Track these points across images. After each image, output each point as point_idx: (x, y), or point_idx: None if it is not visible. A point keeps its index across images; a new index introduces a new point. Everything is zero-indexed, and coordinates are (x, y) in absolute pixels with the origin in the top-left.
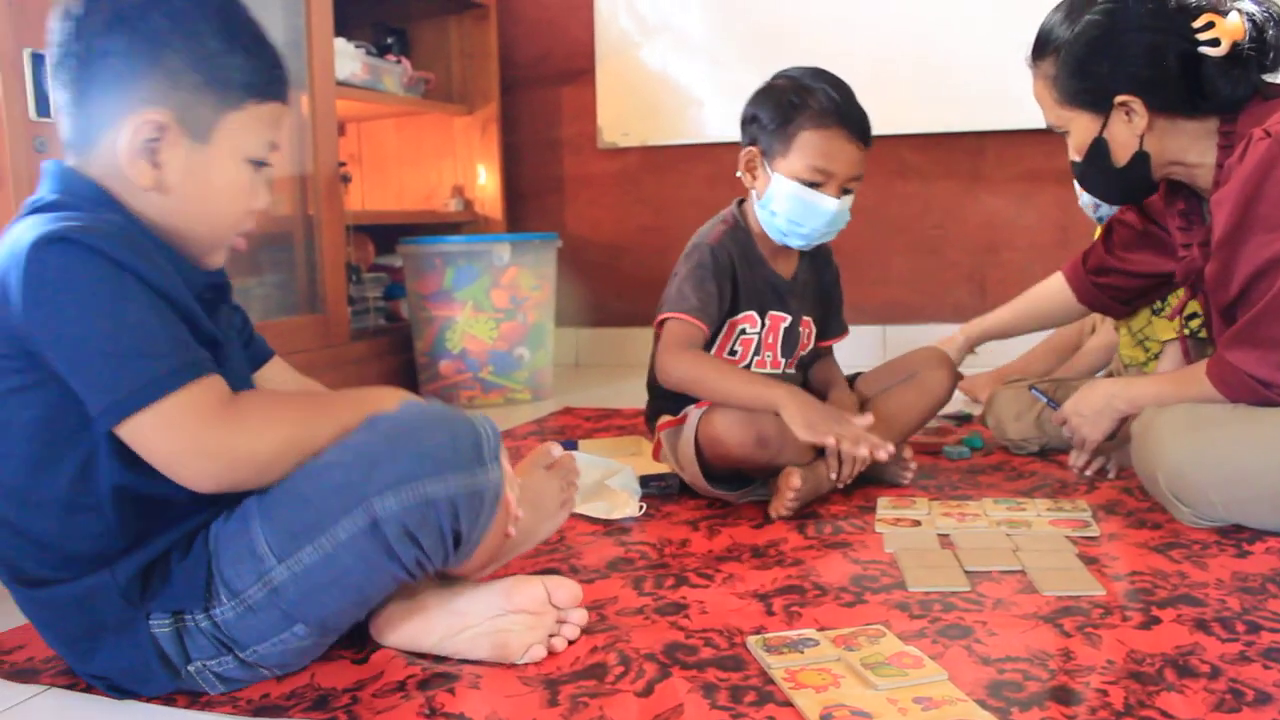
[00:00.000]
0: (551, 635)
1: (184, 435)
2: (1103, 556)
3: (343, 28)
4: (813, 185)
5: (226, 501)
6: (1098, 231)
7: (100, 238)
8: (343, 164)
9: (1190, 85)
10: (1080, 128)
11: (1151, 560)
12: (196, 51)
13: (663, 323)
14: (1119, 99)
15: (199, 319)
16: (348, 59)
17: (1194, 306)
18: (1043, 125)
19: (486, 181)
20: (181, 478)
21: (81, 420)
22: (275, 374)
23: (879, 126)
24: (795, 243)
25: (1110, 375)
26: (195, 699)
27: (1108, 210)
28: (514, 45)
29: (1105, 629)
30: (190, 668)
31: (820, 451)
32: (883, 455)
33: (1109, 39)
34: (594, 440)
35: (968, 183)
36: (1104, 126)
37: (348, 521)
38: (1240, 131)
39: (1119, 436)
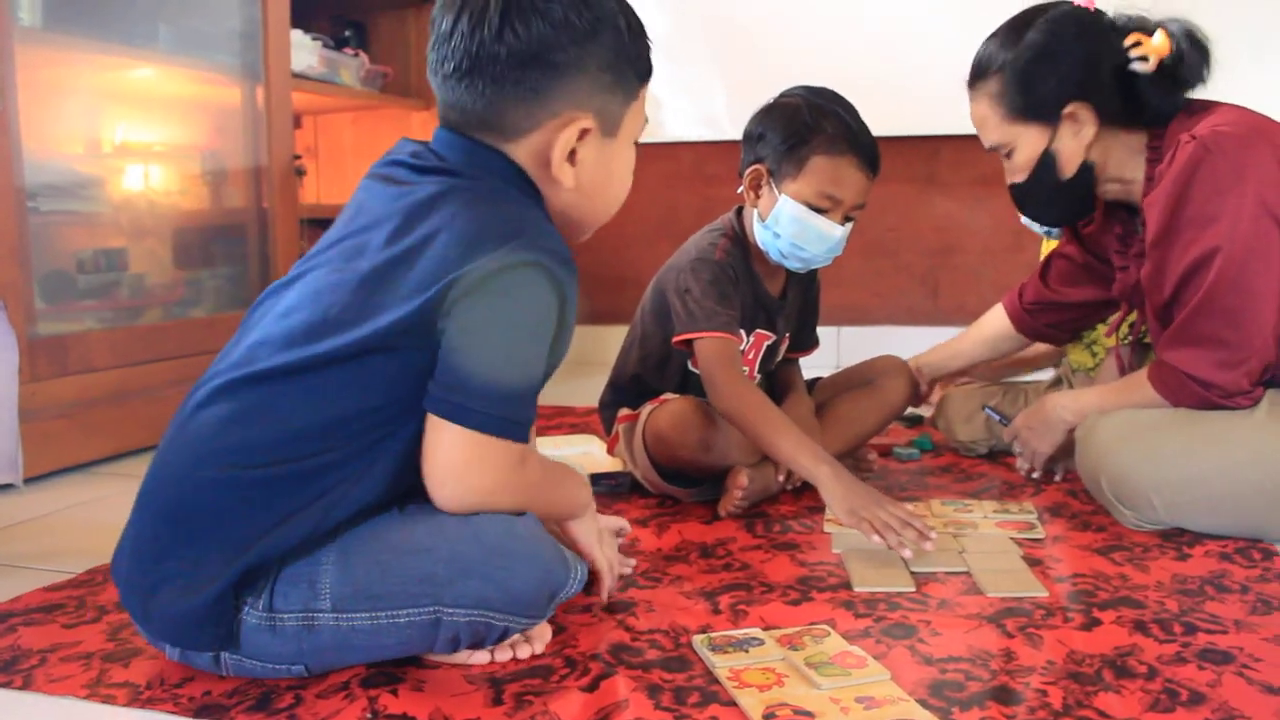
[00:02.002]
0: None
1: (468, 471)
2: (1047, 558)
3: (300, 19)
4: (819, 210)
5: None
6: (1045, 244)
7: (560, 264)
8: (298, 157)
9: (1126, 97)
10: (1028, 142)
11: (1094, 562)
12: (609, 49)
13: (689, 342)
14: (1068, 109)
15: (558, 360)
16: (304, 51)
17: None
18: (992, 149)
19: None
20: (435, 488)
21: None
22: None
23: None
24: (794, 265)
25: (1058, 380)
26: (136, 694)
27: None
28: None
29: (1047, 630)
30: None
31: None
32: (929, 547)
33: (1052, 52)
34: (545, 438)
35: (922, 186)
36: (1052, 138)
37: (415, 611)
38: (1168, 141)
39: (1066, 446)
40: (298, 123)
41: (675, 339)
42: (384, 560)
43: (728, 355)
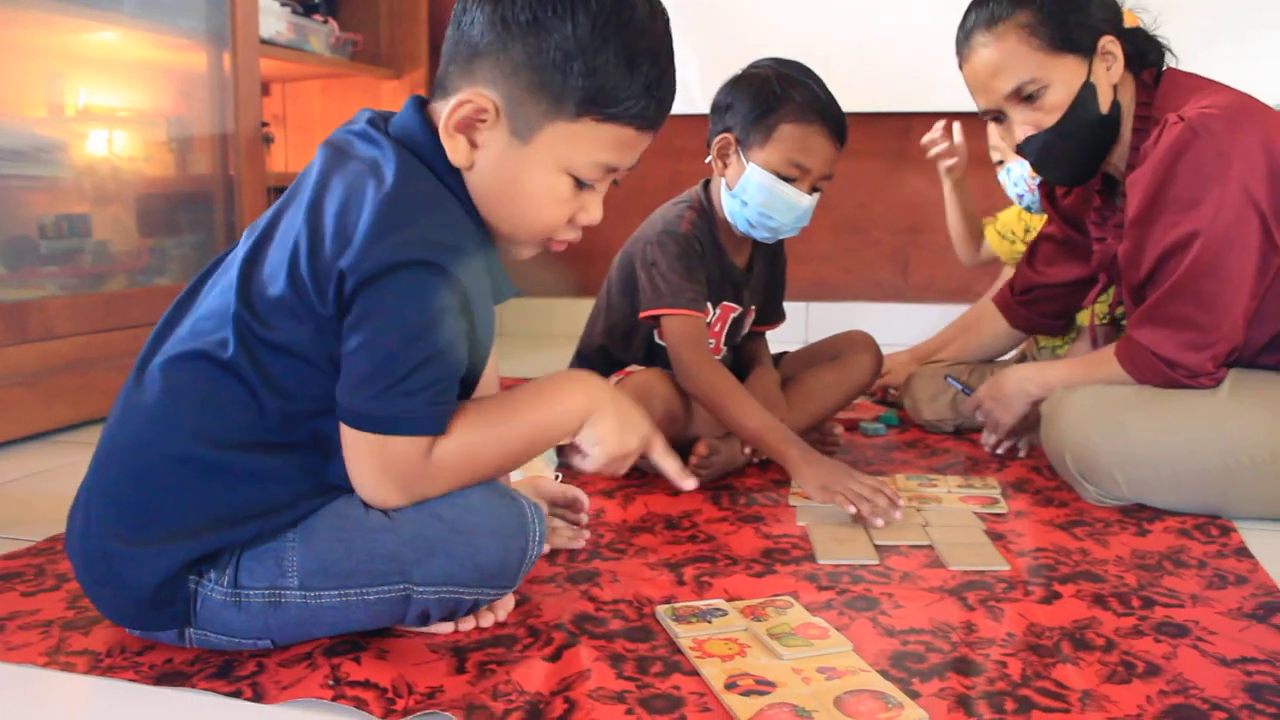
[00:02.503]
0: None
1: (373, 471)
2: (1009, 533)
3: None
4: (787, 179)
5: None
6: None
7: (449, 256)
8: (265, 124)
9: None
10: (1067, 75)
11: (1056, 537)
12: (543, 51)
13: (657, 318)
14: (1104, 40)
15: (484, 338)
16: (273, 17)
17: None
18: (969, 109)
19: None
20: (356, 486)
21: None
22: None
23: None
24: (761, 235)
25: (1024, 357)
26: (96, 662)
27: (1032, 199)
28: (445, 8)
29: (1008, 603)
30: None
31: None
32: (898, 515)
33: None
34: None
35: (893, 163)
36: (1089, 71)
37: (384, 588)
38: (1155, 116)
39: (1030, 419)
40: (266, 90)
41: (642, 313)
42: (348, 537)
43: (695, 333)
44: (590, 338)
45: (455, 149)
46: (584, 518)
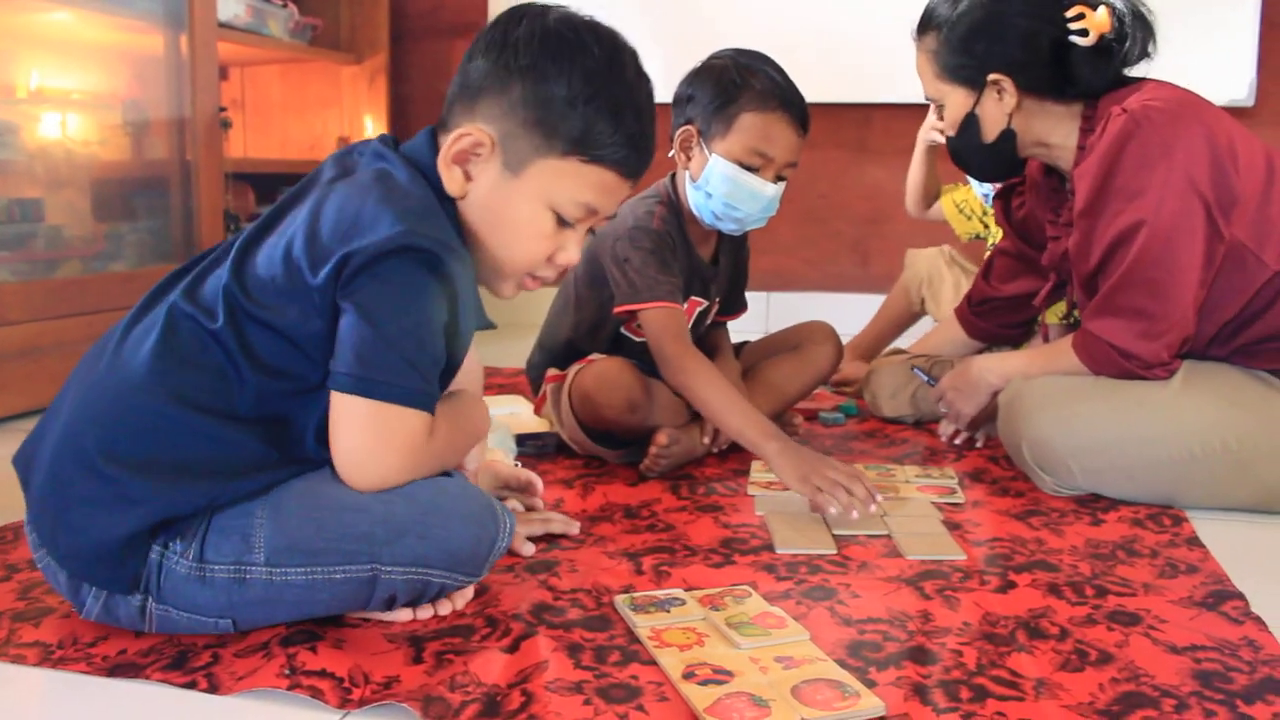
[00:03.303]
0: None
1: (379, 447)
2: (966, 523)
3: None
4: (750, 169)
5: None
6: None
7: (450, 254)
8: (223, 109)
9: (1059, 70)
10: (955, 102)
11: (1012, 527)
12: (540, 92)
13: (633, 313)
14: (991, 77)
15: (464, 335)
16: (231, 0)
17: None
18: (929, 100)
19: (373, 133)
20: (346, 470)
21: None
22: None
23: None
24: (728, 226)
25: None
26: (48, 654)
27: (990, 189)
28: None
29: (964, 592)
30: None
31: (695, 414)
32: (873, 509)
33: (989, 21)
34: None
35: (854, 154)
36: (976, 103)
37: (352, 569)
38: (1100, 114)
39: (990, 408)
40: (224, 74)
41: (618, 309)
42: (318, 516)
43: (675, 326)
44: (556, 330)
45: (451, 178)
46: (539, 502)
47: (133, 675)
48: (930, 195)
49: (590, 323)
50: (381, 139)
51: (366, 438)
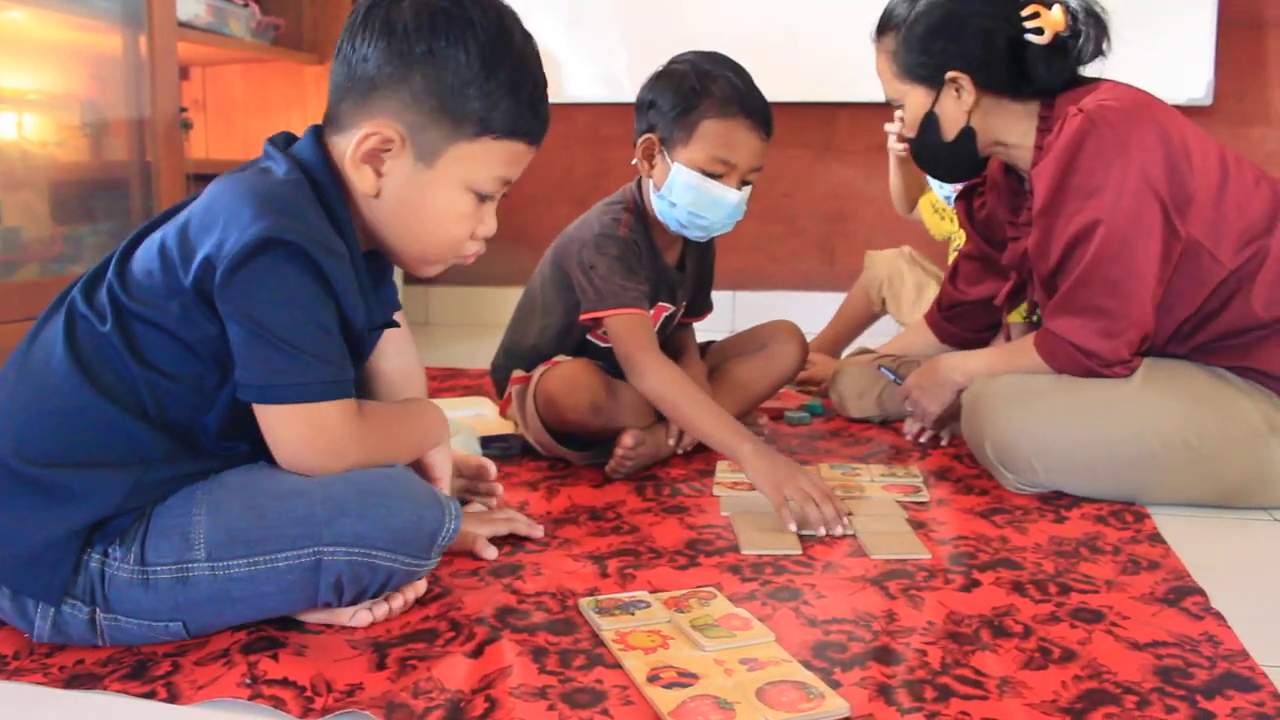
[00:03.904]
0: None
1: (311, 438)
2: (931, 521)
3: None
4: (713, 176)
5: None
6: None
7: (317, 246)
8: (184, 109)
9: (1015, 68)
10: (914, 102)
11: (976, 525)
12: (442, 79)
13: (598, 320)
14: (950, 75)
15: (362, 340)
16: (191, 0)
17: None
18: (889, 101)
19: None
20: (285, 460)
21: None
22: (386, 346)
23: None
24: (694, 234)
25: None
26: (3, 665)
27: (951, 190)
28: None
29: (928, 591)
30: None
31: (661, 415)
32: (839, 531)
33: (947, 20)
34: (437, 400)
35: (819, 152)
36: (935, 101)
37: (294, 554)
38: (1057, 114)
39: (955, 407)
40: (185, 74)
41: (584, 316)
42: (259, 505)
43: (643, 332)
44: (522, 336)
45: (362, 178)
46: (497, 487)
47: (91, 686)
48: (914, 197)
49: (557, 328)
50: (272, 139)
51: (292, 440)
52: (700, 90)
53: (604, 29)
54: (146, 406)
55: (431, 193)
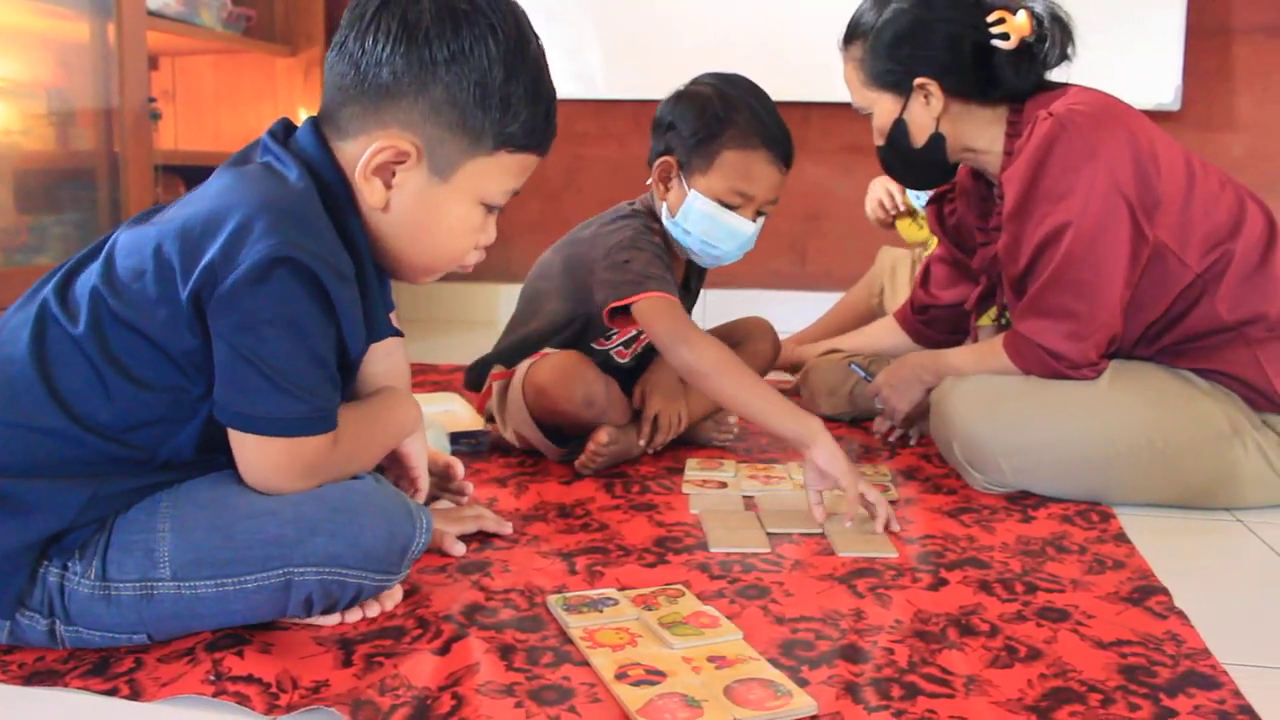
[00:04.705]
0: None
1: (283, 467)
2: (899, 520)
3: None
4: (730, 207)
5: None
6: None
7: (327, 269)
8: (153, 100)
9: (983, 73)
10: (883, 109)
11: (944, 524)
12: (464, 92)
13: (621, 309)
14: (917, 82)
15: (353, 352)
16: None
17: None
18: (858, 110)
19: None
20: (252, 482)
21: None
22: (375, 348)
23: None
24: (705, 262)
25: None
26: None
27: (922, 196)
28: None
29: (896, 590)
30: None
31: (636, 414)
32: (895, 527)
33: (913, 26)
34: None
35: None
36: (904, 108)
37: (263, 575)
38: (1026, 118)
39: (924, 405)
40: (154, 64)
41: (616, 303)
42: (225, 525)
43: (682, 311)
44: (522, 342)
45: (372, 191)
46: (467, 485)
47: (51, 683)
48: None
49: (565, 337)
50: (271, 132)
51: (264, 468)
52: (724, 119)
53: (579, 25)
54: (111, 416)
55: (445, 208)
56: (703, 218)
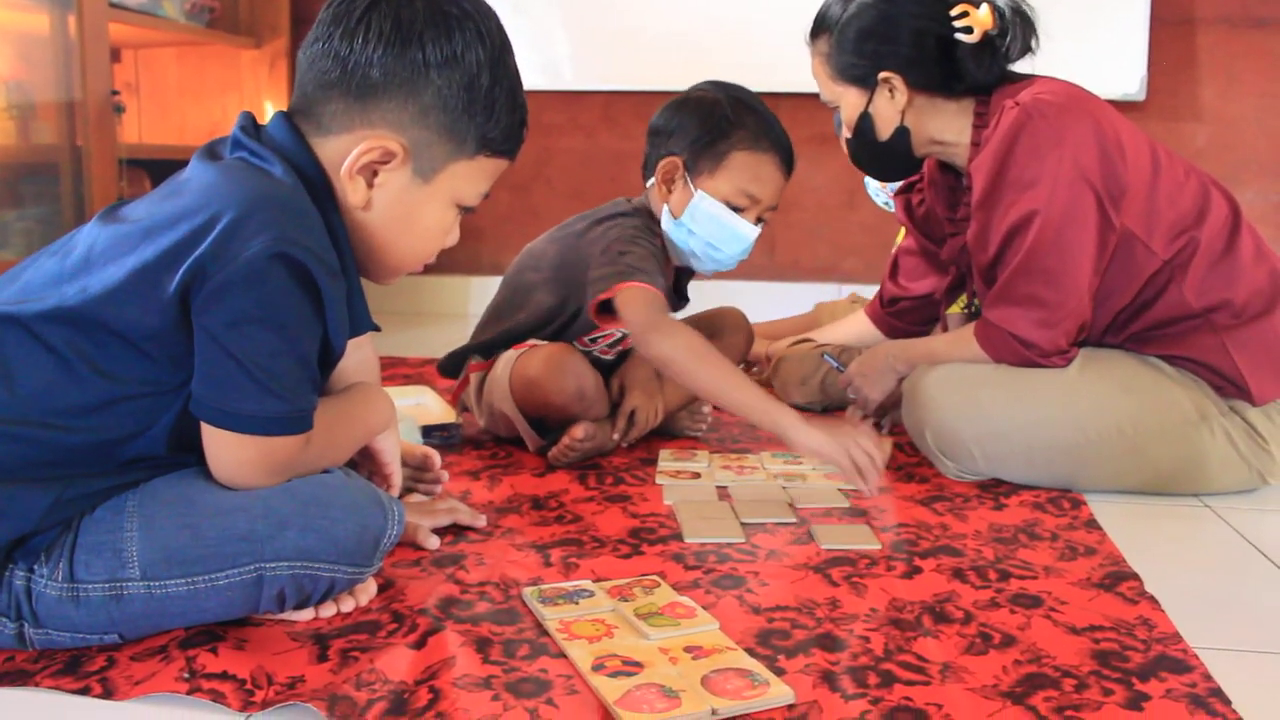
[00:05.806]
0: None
1: (256, 463)
2: (873, 509)
3: None
4: (736, 209)
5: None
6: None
7: (320, 266)
8: (116, 93)
9: (947, 67)
10: (849, 103)
11: (917, 512)
12: (454, 95)
13: (608, 308)
14: (882, 76)
15: (336, 349)
16: None
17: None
18: (825, 104)
19: None
20: (221, 478)
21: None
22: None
23: (678, 84)
24: (706, 266)
25: None
26: None
27: (888, 202)
28: None
29: (871, 578)
30: None
31: (613, 409)
32: (873, 491)
33: (877, 21)
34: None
35: None
36: (869, 102)
37: (234, 571)
38: (993, 109)
39: (896, 395)
40: (117, 56)
41: (605, 294)
42: (194, 524)
43: (663, 306)
44: (507, 334)
45: (355, 190)
46: (443, 475)
47: (21, 683)
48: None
49: (552, 331)
50: (241, 126)
51: (236, 464)
52: (734, 121)
53: (546, 16)
54: (76, 416)
55: (424, 208)
56: (709, 218)
